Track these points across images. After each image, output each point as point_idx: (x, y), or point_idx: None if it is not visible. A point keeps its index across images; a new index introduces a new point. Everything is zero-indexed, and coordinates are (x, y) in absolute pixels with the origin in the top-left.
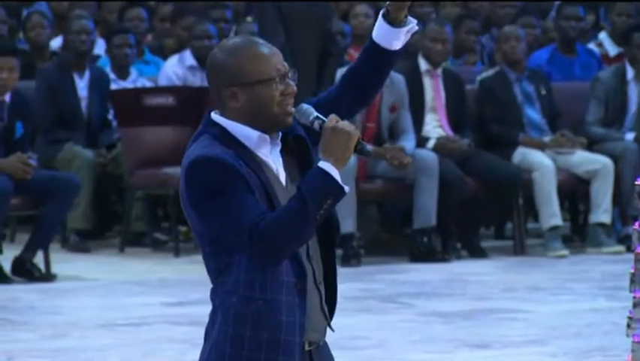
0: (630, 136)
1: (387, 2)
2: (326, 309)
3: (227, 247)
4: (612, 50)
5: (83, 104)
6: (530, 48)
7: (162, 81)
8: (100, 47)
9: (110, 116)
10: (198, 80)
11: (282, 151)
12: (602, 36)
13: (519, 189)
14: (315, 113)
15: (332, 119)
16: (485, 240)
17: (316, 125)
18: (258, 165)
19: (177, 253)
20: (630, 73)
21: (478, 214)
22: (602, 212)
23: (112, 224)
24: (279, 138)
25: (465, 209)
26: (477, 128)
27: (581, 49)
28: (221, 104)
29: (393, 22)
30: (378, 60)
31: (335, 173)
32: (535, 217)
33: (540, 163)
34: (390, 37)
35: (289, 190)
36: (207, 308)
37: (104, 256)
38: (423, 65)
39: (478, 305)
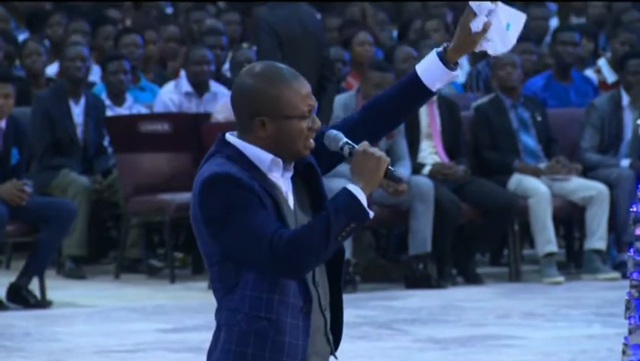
0: (625, 163)
1: (448, 43)
2: (330, 336)
3: (235, 267)
4: (610, 77)
5: (79, 130)
6: (527, 74)
7: (158, 107)
8: (95, 74)
9: (106, 142)
10: (194, 106)
11: (292, 177)
12: (602, 62)
13: (514, 216)
14: (345, 139)
15: (363, 145)
16: (481, 266)
17: (346, 150)
18: (270, 187)
19: (173, 279)
20: (625, 100)
21: (474, 241)
22: (598, 239)
23: (107, 250)
24: (293, 164)
25: (460, 235)
26: (472, 154)
27: (576, 75)
28: (245, 128)
29: (448, 63)
30: (415, 96)
31: (362, 197)
32: (531, 244)
33: (535, 190)
34: (436, 76)
35: (297, 216)
36: (203, 335)
37: (100, 282)
38: None
39: (473, 332)
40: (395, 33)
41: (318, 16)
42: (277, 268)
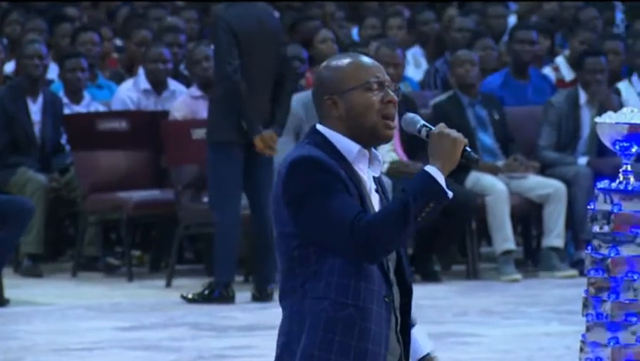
0: (583, 160)
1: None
2: (400, 337)
3: (317, 253)
4: (568, 74)
5: (37, 128)
6: (487, 70)
7: (116, 105)
8: (53, 72)
9: (64, 140)
10: (152, 104)
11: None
12: (559, 60)
13: (472, 214)
14: (422, 122)
15: (440, 126)
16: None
17: (424, 132)
18: (355, 178)
19: (130, 277)
20: (583, 98)
21: (432, 238)
22: (555, 236)
23: (65, 248)
24: (380, 165)
25: (418, 233)
26: None
27: (534, 73)
28: (324, 115)
29: None
30: None
31: (440, 177)
32: (489, 241)
33: (493, 187)
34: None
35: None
36: (160, 333)
37: (57, 280)
38: None
39: (431, 329)
40: (355, 30)
41: (276, 14)
42: (357, 250)
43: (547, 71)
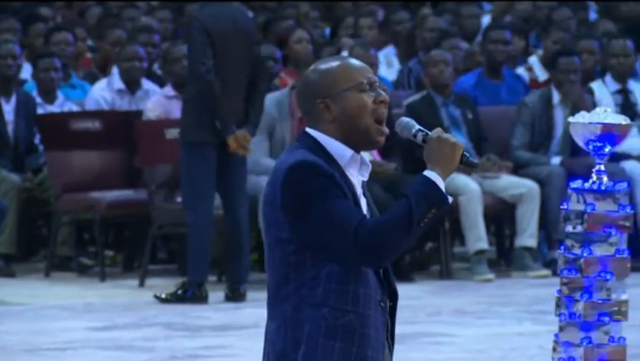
0: (556, 160)
1: None
2: (388, 343)
3: (314, 259)
4: (542, 75)
5: (10, 128)
6: (457, 70)
7: (90, 105)
8: (26, 71)
9: (37, 140)
10: (126, 103)
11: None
12: (533, 60)
13: (445, 214)
14: (418, 126)
15: (437, 131)
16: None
17: (420, 137)
18: (348, 182)
19: (103, 277)
20: (556, 97)
21: None
22: (528, 236)
23: (38, 248)
24: (368, 170)
25: None
26: (404, 152)
27: (507, 73)
28: (315, 119)
29: None
30: None
31: (441, 183)
32: (462, 241)
33: (466, 187)
34: None
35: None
36: (133, 333)
37: (30, 280)
38: None
39: (404, 329)
40: (327, 31)
41: (250, 14)
42: (361, 257)
43: (521, 71)
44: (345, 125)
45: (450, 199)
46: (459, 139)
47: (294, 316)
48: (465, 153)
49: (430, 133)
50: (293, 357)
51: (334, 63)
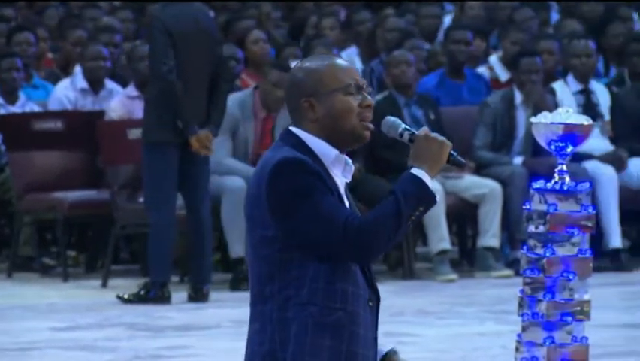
0: (518, 160)
1: None
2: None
3: (301, 258)
4: (503, 75)
5: None
6: (418, 70)
7: (53, 105)
8: None
9: None
10: (89, 103)
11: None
12: (493, 60)
13: None
14: (404, 125)
15: (424, 130)
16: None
17: (406, 136)
18: (332, 181)
19: (66, 277)
20: (518, 98)
21: None
22: (491, 236)
23: (0, 249)
24: (351, 171)
25: None
26: (367, 153)
27: (469, 73)
28: (298, 116)
29: None
30: None
31: (429, 181)
32: (424, 241)
33: None
34: None
35: None
36: (96, 333)
37: None
38: None
39: None
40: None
41: (212, 14)
42: (349, 253)
43: (483, 70)
44: (329, 125)
45: (438, 197)
46: (445, 138)
47: (279, 316)
48: (452, 152)
49: (416, 132)
50: (282, 357)
51: (322, 62)
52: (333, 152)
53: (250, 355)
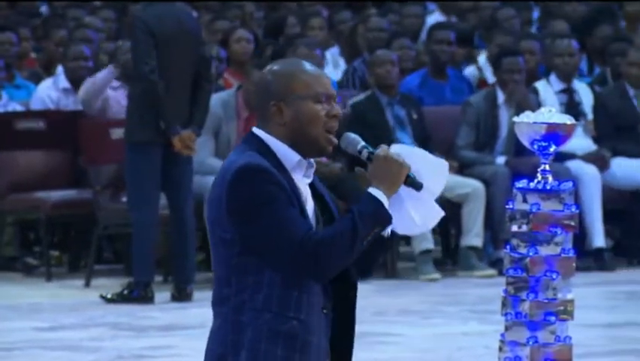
0: (501, 160)
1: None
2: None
3: (258, 263)
4: (491, 76)
5: None
6: (405, 70)
7: (36, 105)
8: None
9: None
10: (72, 103)
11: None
12: (482, 61)
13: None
14: (363, 143)
15: (383, 149)
16: None
17: (365, 153)
18: (295, 188)
19: (49, 277)
20: (501, 97)
21: None
22: (474, 236)
23: None
24: (313, 170)
25: None
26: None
27: (452, 73)
28: (266, 120)
29: None
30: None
31: (386, 202)
32: (407, 241)
33: None
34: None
35: (312, 222)
36: (79, 333)
37: None
38: None
39: None
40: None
41: (195, 14)
42: (304, 268)
43: (472, 69)
44: (295, 131)
45: (394, 219)
46: (404, 159)
47: (234, 319)
48: (409, 173)
49: (375, 151)
50: None
51: (294, 67)
52: (295, 157)
53: (208, 352)
